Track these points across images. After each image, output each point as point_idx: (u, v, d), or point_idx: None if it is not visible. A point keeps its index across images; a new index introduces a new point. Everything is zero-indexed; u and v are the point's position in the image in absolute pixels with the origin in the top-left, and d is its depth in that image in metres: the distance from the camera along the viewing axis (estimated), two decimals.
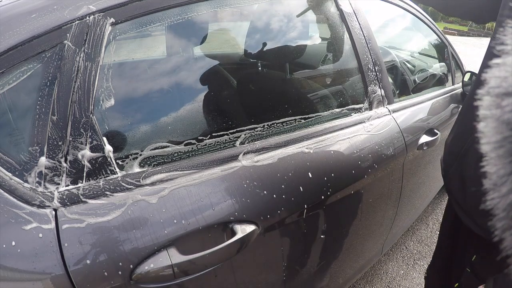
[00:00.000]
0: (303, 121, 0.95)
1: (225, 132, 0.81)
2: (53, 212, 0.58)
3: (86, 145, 0.62)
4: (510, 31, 0.27)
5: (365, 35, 1.13)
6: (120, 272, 0.60)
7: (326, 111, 1.02)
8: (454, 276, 0.99)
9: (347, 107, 1.07)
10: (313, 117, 0.98)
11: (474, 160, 0.78)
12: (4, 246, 0.52)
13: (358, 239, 1.14)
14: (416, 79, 1.63)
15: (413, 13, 1.54)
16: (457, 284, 0.95)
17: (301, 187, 0.84)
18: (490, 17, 0.90)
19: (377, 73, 1.15)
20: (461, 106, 1.71)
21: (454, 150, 0.85)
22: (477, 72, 1.71)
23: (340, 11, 1.10)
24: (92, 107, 0.64)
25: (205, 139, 0.78)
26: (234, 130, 0.82)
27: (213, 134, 0.80)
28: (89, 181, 0.63)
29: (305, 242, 0.93)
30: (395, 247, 1.94)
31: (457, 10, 1.00)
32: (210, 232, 0.70)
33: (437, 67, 1.80)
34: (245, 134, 0.83)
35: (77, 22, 0.64)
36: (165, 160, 0.72)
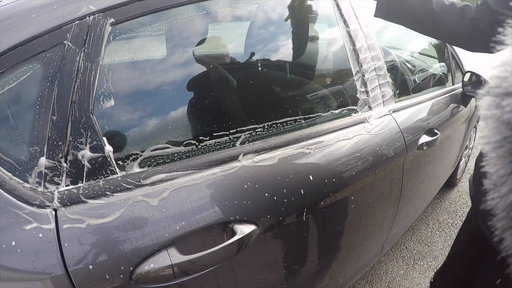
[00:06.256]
0: (303, 121, 0.95)
1: (225, 132, 0.81)
2: (53, 212, 0.58)
3: (86, 145, 0.62)
4: (510, 31, 0.27)
5: (365, 35, 1.13)
6: (120, 272, 0.60)
7: (326, 111, 1.02)
8: None
9: (347, 108, 1.07)
10: (313, 117, 0.98)
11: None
12: (4, 246, 0.52)
13: (358, 239, 1.14)
14: (416, 79, 1.63)
15: None
16: None
17: (301, 188, 0.84)
18: (469, 43, 0.89)
19: (377, 73, 1.15)
20: (461, 106, 1.71)
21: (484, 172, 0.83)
22: (477, 72, 1.71)
23: (340, 11, 1.10)
24: (92, 107, 0.64)
25: (205, 139, 0.78)
26: (234, 130, 0.82)
27: (214, 134, 0.80)
28: (89, 181, 0.63)
29: (305, 242, 0.93)
30: (395, 247, 1.94)
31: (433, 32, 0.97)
32: (210, 232, 0.70)
33: (437, 67, 1.80)
34: (245, 135, 0.83)
35: (77, 22, 0.64)
36: (165, 160, 0.72)
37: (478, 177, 0.88)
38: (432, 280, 1.15)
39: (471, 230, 0.96)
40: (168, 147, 0.73)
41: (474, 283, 0.94)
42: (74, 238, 0.57)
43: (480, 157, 0.88)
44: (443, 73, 1.80)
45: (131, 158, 0.69)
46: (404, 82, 1.56)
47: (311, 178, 0.86)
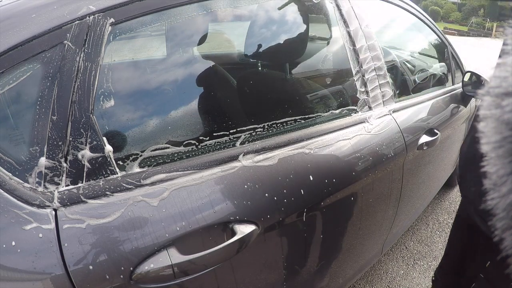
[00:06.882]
0: (303, 121, 0.95)
1: (225, 132, 0.81)
2: (53, 212, 0.58)
3: (86, 145, 0.62)
4: (510, 31, 0.27)
5: (365, 35, 1.13)
6: (120, 272, 0.60)
7: (326, 111, 1.02)
8: (464, 283, 0.97)
9: (347, 107, 1.07)
10: (313, 117, 0.98)
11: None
12: (4, 246, 0.52)
13: (358, 239, 1.14)
14: (416, 79, 1.63)
15: (413, 13, 1.54)
16: None
17: (301, 188, 0.84)
18: None
19: (377, 73, 1.15)
20: (461, 106, 1.71)
21: (470, 157, 0.85)
22: (477, 72, 1.71)
23: (340, 11, 1.10)
24: (92, 107, 0.64)
25: (205, 140, 0.78)
26: (234, 130, 0.83)
27: (214, 134, 0.80)
28: (89, 181, 0.63)
29: (305, 242, 0.93)
30: (395, 247, 1.94)
31: None
32: (210, 232, 0.70)
33: (437, 67, 1.80)
34: (245, 135, 0.83)
35: (77, 22, 0.64)
36: (165, 160, 0.72)
37: (463, 164, 0.89)
38: (433, 278, 1.16)
39: (462, 220, 0.97)
40: (168, 147, 0.73)
41: (467, 269, 0.95)
42: (74, 238, 0.57)
43: (464, 145, 0.89)
44: (443, 73, 1.80)
45: (131, 158, 0.69)
46: (404, 82, 1.56)
47: (311, 178, 0.86)
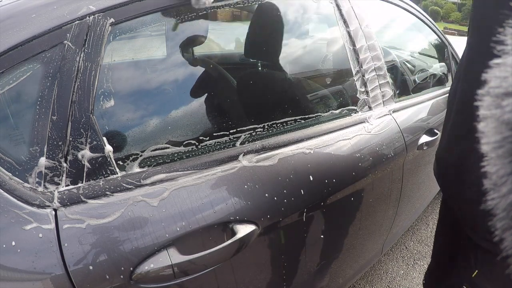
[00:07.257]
0: (303, 121, 0.95)
1: (225, 133, 0.81)
2: (53, 212, 0.58)
3: (86, 145, 0.62)
4: (510, 31, 0.27)
5: (365, 35, 1.13)
6: (120, 272, 0.60)
7: (326, 111, 1.02)
8: None
9: (347, 108, 1.07)
10: (313, 117, 0.98)
11: (476, 160, 0.72)
12: (4, 246, 0.52)
13: (358, 239, 1.14)
14: (416, 79, 1.63)
15: (413, 13, 1.54)
16: None
17: (301, 188, 0.84)
18: None
19: (377, 73, 1.15)
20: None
21: (457, 165, 0.74)
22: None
23: (340, 11, 1.10)
24: (92, 107, 0.64)
25: (205, 140, 0.78)
26: (234, 130, 0.83)
27: (214, 135, 0.80)
28: (89, 181, 0.63)
29: (305, 242, 0.93)
30: (395, 247, 1.94)
31: None
32: (210, 232, 0.70)
33: (437, 67, 1.80)
34: (245, 135, 0.83)
35: (77, 22, 0.64)
36: (165, 160, 0.72)
37: (441, 156, 0.82)
38: (423, 281, 1.15)
39: (444, 229, 0.95)
40: (168, 147, 0.73)
41: (452, 272, 0.92)
42: (74, 238, 0.57)
43: (441, 150, 0.83)
44: (443, 73, 1.80)
45: (131, 158, 0.69)
46: (404, 82, 1.56)
47: (311, 178, 0.86)
